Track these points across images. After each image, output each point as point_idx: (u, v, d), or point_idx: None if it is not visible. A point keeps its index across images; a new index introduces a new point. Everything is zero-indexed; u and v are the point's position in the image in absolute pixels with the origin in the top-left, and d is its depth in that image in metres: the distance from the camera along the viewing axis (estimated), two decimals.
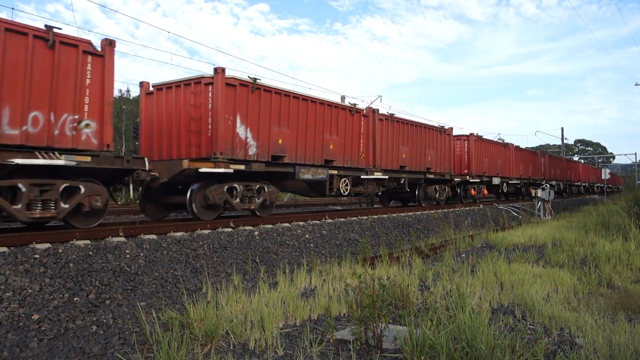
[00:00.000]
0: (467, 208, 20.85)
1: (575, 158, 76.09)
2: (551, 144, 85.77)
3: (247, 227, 10.75)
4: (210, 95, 10.50)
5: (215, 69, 10.49)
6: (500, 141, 27.15)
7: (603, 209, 20.09)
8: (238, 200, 11.05)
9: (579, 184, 45.60)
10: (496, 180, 25.24)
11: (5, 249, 6.88)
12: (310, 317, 5.50)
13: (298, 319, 5.41)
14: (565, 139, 56.58)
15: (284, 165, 12.23)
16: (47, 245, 7.29)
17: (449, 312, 4.91)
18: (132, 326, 5.94)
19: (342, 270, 8.17)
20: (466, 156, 22.79)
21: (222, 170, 10.35)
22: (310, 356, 4.20)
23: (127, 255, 7.80)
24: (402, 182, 17.54)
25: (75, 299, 6.50)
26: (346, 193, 14.35)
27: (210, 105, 10.50)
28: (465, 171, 22.52)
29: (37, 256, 6.84)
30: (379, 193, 19.36)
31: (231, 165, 10.57)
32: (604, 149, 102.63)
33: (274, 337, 4.58)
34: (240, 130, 10.91)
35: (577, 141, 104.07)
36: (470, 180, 22.58)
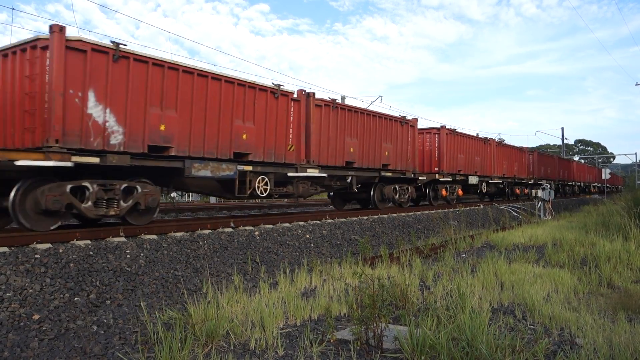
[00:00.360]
0: (467, 208, 20.85)
1: (576, 158, 76.02)
2: (551, 144, 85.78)
3: (247, 227, 10.75)
4: (47, 63, 7.87)
5: (51, 27, 7.84)
6: (482, 136, 24.39)
7: (603, 209, 20.11)
8: (90, 203, 8.34)
9: (573, 183, 43.04)
10: (473, 180, 22.23)
11: (5, 249, 6.89)
12: (310, 317, 5.51)
13: (298, 319, 5.42)
14: (566, 139, 56.57)
15: (168, 158, 9.43)
16: (48, 245, 7.30)
17: (449, 312, 4.91)
18: (132, 326, 5.95)
19: (343, 270, 8.18)
20: (437, 152, 19.94)
21: (52, 163, 7.67)
22: (311, 356, 4.21)
23: (128, 255, 7.81)
24: (348, 180, 14.63)
25: (75, 299, 6.51)
26: (265, 194, 11.61)
27: (47, 77, 7.88)
28: (436, 169, 19.73)
29: (38, 256, 6.85)
30: (331, 194, 17.31)
31: (74, 157, 7.95)
32: (604, 149, 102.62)
33: (275, 337, 4.58)
34: (96, 111, 8.31)
35: (578, 141, 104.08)
36: (441, 180, 19.77)
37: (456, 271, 7.86)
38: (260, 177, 11.53)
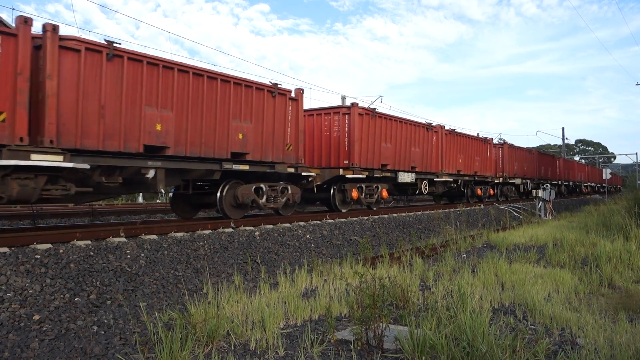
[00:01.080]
0: (468, 208, 20.84)
1: (577, 158, 75.96)
2: (552, 143, 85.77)
3: (247, 228, 10.75)
4: None
5: None
6: (424, 122, 19.03)
7: (604, 208, 20.09)
8: None
9: (559, 183, 37.07)
10: (406, 177, 17.16)
11: (6, 249, 6.89)
12: (311, 317, 5.51)
13: (299, 319, 5.42)
14: (567, 139, 56.54)
15: None
16: (48, 245, 7.30)
17: (449, 312, 4.91)
18: (133, 326, 5.95)
19: (343, 271, 8.18)
20: (346, 139, 14.56)
21: None
22: (311, 356, 4.21)
23: (128, 256, 7.81)
24: (149, 175, 9.15)
25: (76, 299, 6.51)
26: None
27: None
28: (345, 162, 14.45)
29: (38, 256, 6.85)
30: (170, 194, 12.62)
31: None
32: (605, 148, 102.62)
33: (275, 338, 4.58)
34: None
35: (578, 141, 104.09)
36: (348, 177, 14.42)
37: (457, 271, 7.86)
38: None
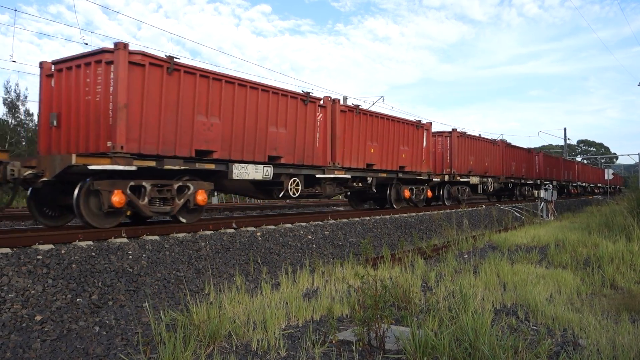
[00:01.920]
0: (470, 209, 20.81)
1: (579, 158, 75.78)
2: (554, 144, 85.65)
3: (249, 228, 10.75)
4: None
5: None
6: (295, 90, 12.68)
7: (606, 209, 20.06)
8: None
9: (538, 182, 30.47)
10: (251, 171, 10.98)
11: (8, 249, 6.90)
12: (312, 318, 5.50)
13: (300, 319, 5.42)
14: (568, 139, 56.37)
15: None
16: (50, 246, 7.31)
17: (451, 312, 4.90)
18: (135, 327, 5.95)
19: (345, 271, 8.18)
20: (110, 106, 8.60)
21: None
22: (313, 357, 4.20)
23: (130, 256, 7.81)
24: None
25: (78, 299, 6.52)
26: None
27: None
28: (109, 145, 8.61)
29: (40, 257, 6.86)
30: None
31: None
32: (607, 149, 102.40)
33: (277, 338, 4.58)
34: None
35: (580, 141, 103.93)
36: (93, 168, 8.25)
37: (458, 272, 7.85)
38: None
